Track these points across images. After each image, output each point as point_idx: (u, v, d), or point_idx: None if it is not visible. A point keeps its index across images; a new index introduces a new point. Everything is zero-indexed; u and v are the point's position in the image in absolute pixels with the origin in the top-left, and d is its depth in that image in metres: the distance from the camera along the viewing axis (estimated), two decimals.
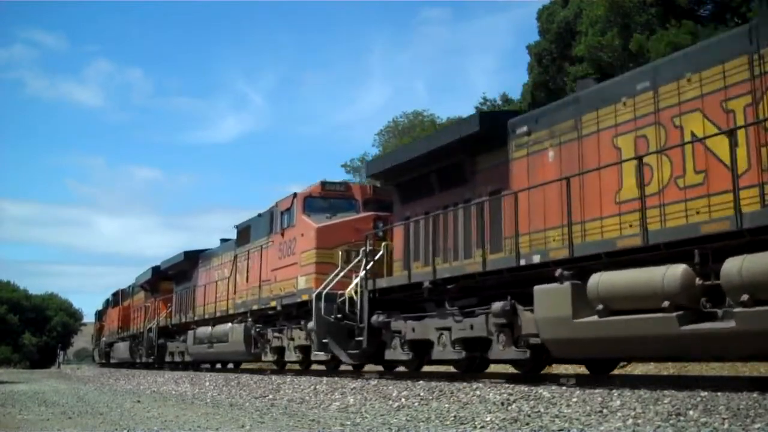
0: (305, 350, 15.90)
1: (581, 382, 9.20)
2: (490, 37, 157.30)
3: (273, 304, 16.57)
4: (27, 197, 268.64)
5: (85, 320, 72.89)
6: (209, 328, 21.00)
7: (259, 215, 18.58)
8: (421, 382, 10.66)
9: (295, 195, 16.00)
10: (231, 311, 19.65)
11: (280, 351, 17.29)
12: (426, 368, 13.58)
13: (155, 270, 28.81)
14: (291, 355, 16.61)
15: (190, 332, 22.69)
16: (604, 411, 6.18)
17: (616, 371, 11.23)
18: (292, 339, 16.30)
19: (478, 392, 8.30)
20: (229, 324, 19.22)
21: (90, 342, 59.02)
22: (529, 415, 6.31)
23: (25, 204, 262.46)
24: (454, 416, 6.47)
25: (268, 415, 7.54)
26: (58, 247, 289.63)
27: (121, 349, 33.26)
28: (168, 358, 26.65)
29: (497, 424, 5.92)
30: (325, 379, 12.75)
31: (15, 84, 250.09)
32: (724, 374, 11.62)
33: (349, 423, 6.46)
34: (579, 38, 24.29)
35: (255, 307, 17.90)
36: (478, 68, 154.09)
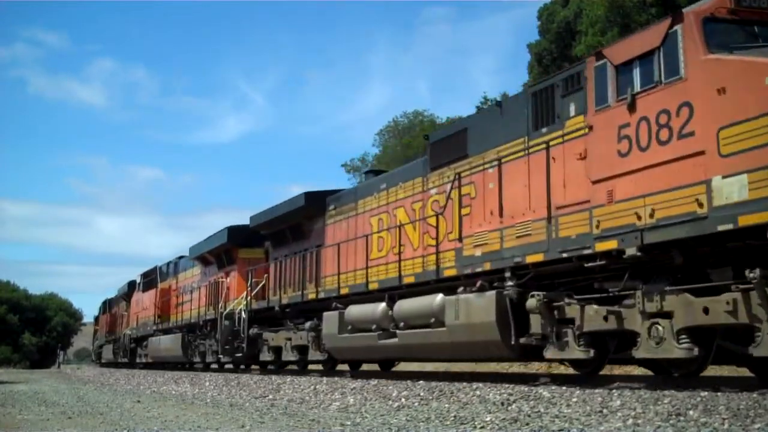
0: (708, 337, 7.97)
1: (582, 381, 9.20)
2: (491, 36, 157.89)
3: (602, 247, 8.62)
4: (27, 197, 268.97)
5: (84, 320, 72.99)
6: (379, 305, 12.93)
7: (496, 103, 11.27)
8: (421, 382, 10.66)
9: (675, 18, 8.15)
10: (447, 272, 11.42)
11: (599, 341, 9.17)
12: None
13: (235, 232, 20.44)
14: (668, 351, 7.99)
15: (330, 315, 14.36)
16: (604, 411, 6.19)
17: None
18: (667, 315, 8.01)
19: (478, 392, 8.31)
20: (439, 296, 11.32)
21: (91, 341, 54.93)
22: (529, 415, 6.31)
23: (25, 204, 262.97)
24: (454, 416, 6.47)
25: (268, 415, 7.54)
26: (58, 247, 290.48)
27: (164, 346, 25.70)
28: (267, 356, 17.94)
29: (497, 424, 5.91)
30: (325, 379, 12.74)
31: (17, 83, 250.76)
32: (724, 374, 11.62)
33: (349, 423, 6.46)
34: (579, 38, 24.28)
35: (528, 260, 9.80)
36: (479, 68, 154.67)
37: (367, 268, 13.65)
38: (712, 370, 12.61)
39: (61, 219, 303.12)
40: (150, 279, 30.08)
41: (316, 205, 16.16)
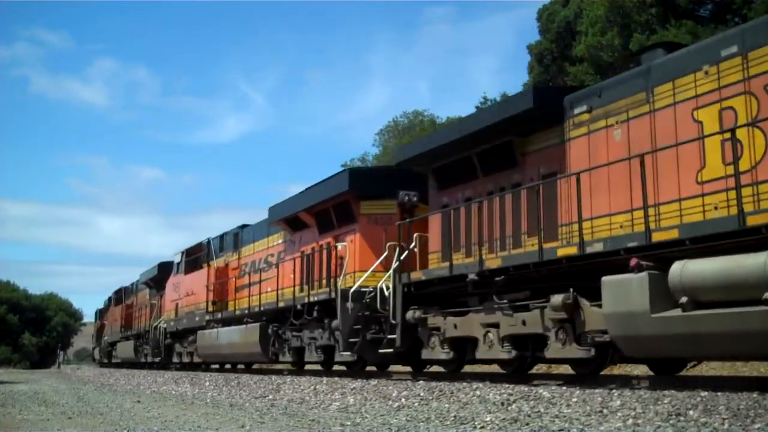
0: None
1: (581, 381, 9.20)
2: (491, 36, 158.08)
3: None
4: (27, 197, 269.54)
5: (85, 320, 73.04)
6: None
7: None
8: (421, 382, 10.66)
9: None
10: None
11: None
12: None
13: (359, 177, 14.75)
14: None
15: (622, 280, 8.16)
16: (604, 411, 6.18)
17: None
18: None
19: (478, 392, 8.30)
20: None
21: (92, 341, 50.84)
22: (529, 415, 6.30)
23: (25, 204, 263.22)
24: (454, 416, 6.47)
25: (268, 415, 7.54)
26: (58, 247, 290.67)
27: (227, 340, 19.31)
28: (441, 353, 11.62)
29: (497, 424, 5.91)
30: (325, 379, 12.74)
31: (18, 83, 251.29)
32: (725, 374, 11.62)
33: (349, 423, 6.45)
34: (579, 38, 24.31)
35: None
36: (480, 68, 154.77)
37: (739, 187, 7.22)
38: (712, 370, 12.60)
39: (61, 219, 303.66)
40: (196, 257, 23.27)
41: (547, 109, 10.11)
